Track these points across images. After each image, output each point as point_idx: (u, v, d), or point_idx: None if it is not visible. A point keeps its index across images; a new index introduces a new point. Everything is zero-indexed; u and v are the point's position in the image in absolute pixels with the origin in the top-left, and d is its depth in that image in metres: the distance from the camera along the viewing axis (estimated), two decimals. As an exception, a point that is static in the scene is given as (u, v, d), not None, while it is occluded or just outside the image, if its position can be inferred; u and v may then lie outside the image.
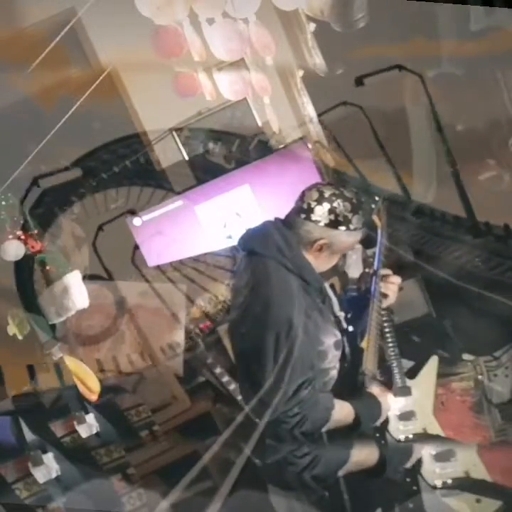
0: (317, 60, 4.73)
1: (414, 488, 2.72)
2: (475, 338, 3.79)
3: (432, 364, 3.21)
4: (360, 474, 2.55)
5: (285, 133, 5.00)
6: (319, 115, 5.00)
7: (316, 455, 2.45)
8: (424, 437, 2.92)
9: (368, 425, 2.59)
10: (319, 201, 2.47)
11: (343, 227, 2.47)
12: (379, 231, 2.79)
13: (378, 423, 2.65)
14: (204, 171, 4.94)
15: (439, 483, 2.82)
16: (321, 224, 2.47)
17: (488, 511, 2.87)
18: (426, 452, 2.81)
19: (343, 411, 2.53)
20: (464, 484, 2.85)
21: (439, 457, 2.82)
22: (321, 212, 2.47)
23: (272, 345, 2.39)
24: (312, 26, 4.52)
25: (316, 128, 5.03)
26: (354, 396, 2.58)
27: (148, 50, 3.67)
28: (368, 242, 2.83)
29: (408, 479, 2.71)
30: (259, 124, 4.98)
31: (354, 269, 2.88)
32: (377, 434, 2.67)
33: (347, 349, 2.66)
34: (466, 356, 3.77)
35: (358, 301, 2.78)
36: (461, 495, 2.86)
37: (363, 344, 2.66)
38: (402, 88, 4.50)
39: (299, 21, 4.60)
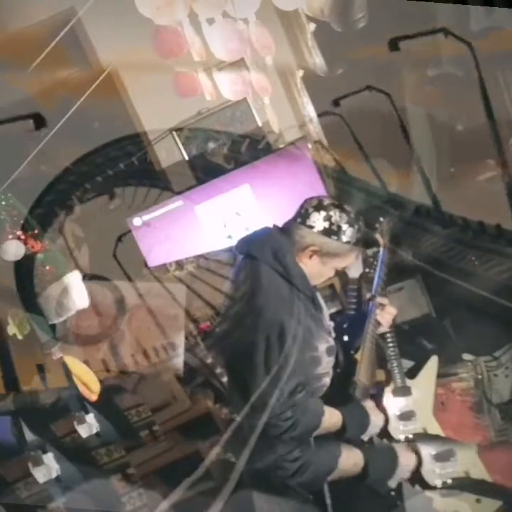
0: (317, 60, 4.73)
1: (398, 502, 2.70)
2: (475, 338, 3.79)
3: (432, 364, 3.21)
4: (344, 480, 2.53)
5: (285, 133, 5.00)
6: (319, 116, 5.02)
7: (306, 460, 2.43)
8: (424, 437, 2.93)
9: (353, 435, 2.58)
10: (317, 208, 2.49)
11: (335, 237, 2.48)
12: (381, 250, 2.81)
13: (364, 437, 2.65)
14: (204, 171, 4.94)
15: (439, 483, 2.82)
16: (315, 230, 2.49)
17: (488, 511, 2.87)
18: (426, 452, 2.82)
19: (332, 418, 2.53)
20: (464, 484, 2.85)
21: (439, 457, 2.82)
22: (316, 219, 2.48)
23: (262, 347, 2.39)
24: (312, 26, 4.52)
25: (316, 128, 5.04)
26: (345, 404, 2.59)
27: (148, 50, 3.68)
28: (367, 242, 2.84)
29: (393, 493, 2.69)
30: (259, 124, 4.98)
31: (354, 269, 2.89)
32: (366, 445, 2.68)
33: (341, 357, 2.66)
34: (466, 356, 3.77)
35: (355, 315, 2.80)
36: (461, 495, 2.86)
37: (358, 356, 2.67)
38: (401, 89, 4.51)
39: (299, 21, 4.60)
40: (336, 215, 2.47)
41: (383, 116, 4.76)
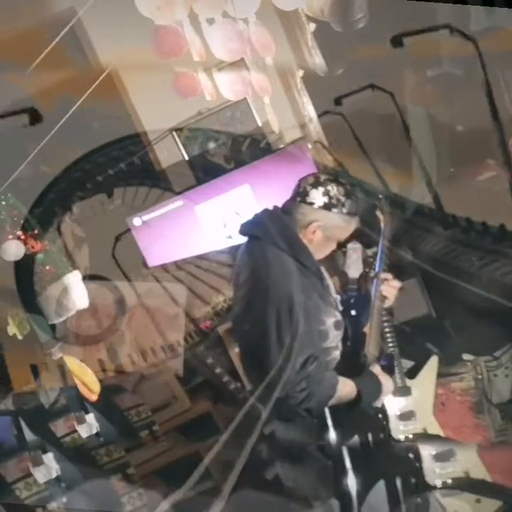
0: (317, 60, 4.74)
1: (417, 464, 2.75)
2: (475, 338, 3.79)
3: (432, 364, 3.21)
4: (341, 406, 2.61)
5: (285, 133, 5.00)
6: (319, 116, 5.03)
7: (311, 390, 2.51)
8: (424, 437, 2.93)
9: (368, 402, 2.64)
10: (314, 185, 2.58)
11: (336, 210, 2.55)
12: (382, 227, 2.83)
13: (378, 403, 2.68)
14: (204, 171, 4.95)
15: (439, 483, 2.82)
16: (315, 206, 2.57)
17: (488, 511, 2.87)
18: (426, 452, 2.82)
19: (345, 388, 2.59)
20: (464, 484, 2.86)
21: (439, 457, 2.83)
22: (315, 195, 2.57)
23: (274, 322, 2.46)
24: (312, 26, 4.52)
25: (316, 128, 5.04)
26: (356, 376, 2.64)
27: (148, 50, 3.67)
28: (368, 242, 2.85)
29: (411, 455, 2.74)
30: (259, 124, 4.98)
31: (354, 269, 2.89)
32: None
33: (350, 331, 2.71)
34: (466, 356, 3.77)
35: (361, 294, 2.83)
36: (461, 495, 2.86)
37: (366, 329, 2.70)
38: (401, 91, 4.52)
39: (299, 21, 4.60)
40: (333, 189, 2.56)
41: (383, 117, 4.77)
